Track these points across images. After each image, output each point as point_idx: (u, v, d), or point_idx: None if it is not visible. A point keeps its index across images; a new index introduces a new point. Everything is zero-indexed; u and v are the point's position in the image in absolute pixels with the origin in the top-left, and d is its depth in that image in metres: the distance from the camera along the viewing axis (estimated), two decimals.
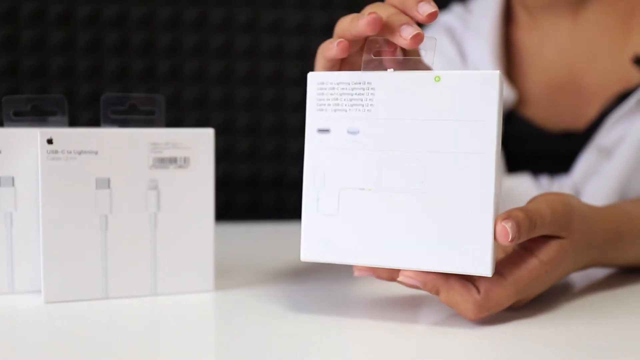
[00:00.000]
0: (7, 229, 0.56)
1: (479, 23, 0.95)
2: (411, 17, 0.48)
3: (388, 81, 0.48)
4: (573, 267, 0.53)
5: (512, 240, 0.46)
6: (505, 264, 0.49)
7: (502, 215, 0.46)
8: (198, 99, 1.06)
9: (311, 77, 0.50)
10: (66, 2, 1.02)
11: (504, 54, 0.94)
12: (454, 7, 1.01)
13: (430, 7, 0.47)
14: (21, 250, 0.56)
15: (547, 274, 0.49)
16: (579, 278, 0.62)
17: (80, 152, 0.54)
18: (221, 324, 0.52)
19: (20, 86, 1.02)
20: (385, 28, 0.48)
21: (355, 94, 0.49)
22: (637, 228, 0.59)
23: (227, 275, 0.63)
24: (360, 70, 0.50)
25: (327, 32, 0.73)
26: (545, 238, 0.49)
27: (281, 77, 1.07)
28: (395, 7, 0.50)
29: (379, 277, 0.50)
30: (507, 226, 0.45)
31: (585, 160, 0.86)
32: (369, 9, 0.50)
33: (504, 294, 0.48)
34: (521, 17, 0.95)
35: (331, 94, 0.49)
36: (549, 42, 0.93)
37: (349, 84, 0.49)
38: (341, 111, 0.49)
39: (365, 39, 0.49)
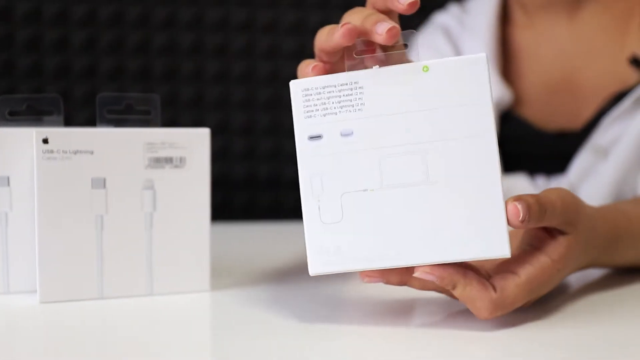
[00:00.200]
0: (3, 229, 0.56)
1: (476, 23, 0.95)
2: (392, 9, 0.48)
3: (376, 78, 0.47)
4: (575, 267, 0.53)
5: (522, 222, 0.45)
6: (518, 262, 0.48)
7: (513, 197, 0.46)
8: (194, 98, 1.06)
9: (294, 85, 0.48)
10: (62, 1, 1.02)
11: (501, 53, 0.94)
12: (451, 7, 1.01)
13: (415, 6, 0.47)
14: (16, 250, 0.56)
15: (559, 272, 0.49)
16: (577, 278, 0.62)
17: (75, 152, 0.54)
18: (217, 324, 0.52)
19: (15, 86, 1.01)
20: (362, 31, 0.48)
21: (344, 95, 0.48)
22: (635, 229, 0.59)
23: (223, 275, 0.63)
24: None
25: None
26: (553, 236, 0.49)
27: (277, 77, 1.07)
28: (374, 4, 0.50)
29: (389, 282, 0.48)
30: (519, 206, 0.45)
31: (582, 160, 0.86)
32: (346, 16, 0.50)
33: (519, 293, 0.47)
34: (518, 16, 0.95)
35: (318, 99, 0.48)
36: (545, 42, 0.93)
37: (336, 86, 0.48)
38: (331, 115, 0.47)
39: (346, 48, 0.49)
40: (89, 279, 0.55)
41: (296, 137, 0.48)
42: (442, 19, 1.00)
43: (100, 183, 0.55)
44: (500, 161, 0.47)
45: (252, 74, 1.07)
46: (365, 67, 0.48)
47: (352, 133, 0.47)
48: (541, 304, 0.53)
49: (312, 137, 0.48)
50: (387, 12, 0.50)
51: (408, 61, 0.50)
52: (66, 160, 0.54)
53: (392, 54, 0.49)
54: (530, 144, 0.90)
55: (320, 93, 0.48)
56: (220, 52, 1.06)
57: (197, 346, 0.47)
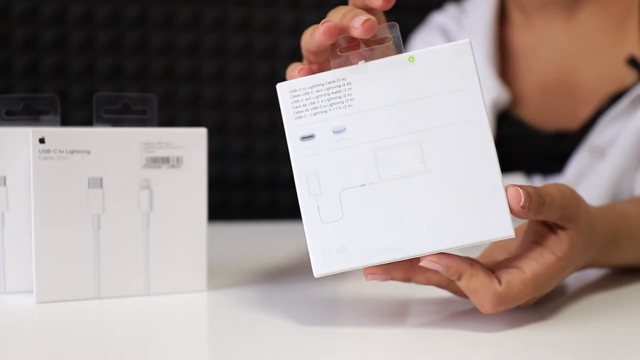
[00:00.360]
0: None
1: (473, 23, 0.95)
2: (369, 6, 0.48)
3: (362, 73, 0.48)
4: (576, 266, 0.53)
5: (522, 207, 0.45)
6: (523, 259, 0.48)
7: (513, 184, 0.46)
8: (191, 98, 1.06)
9: (281, 87, 0.48)
10: (59, 0, 1.02)
11: (498, 54, 0.94)
12: (448, 7, 1.01)
13: (390, 2, 0.47)
14: (13, 249, 0.56)
15: (563, 270, 0.49)
16: (575, 279, 0.62)
17: (72, 152, 0.54)
18: (214, 324, 0.52)
19: (12, 85, 1.01)
20: (342, 28, 0.48)
21: (333, 92, 0.48)
22: (634, 230, 0.59)
23: (220, 275, 0.63)
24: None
25: None
26: (555, 232, 0.49)
27: (275, 77, 1.07)
28: (354, 2, 0.50)
29: (394, 278, 0.48)
30: (520, 190, 0.45)
31: (579, 160, 0.86)
32: (328, 15, 0.50)
33: (524, 289, 0.47)
34: (515, 17, 0.95)
35: (307, 99, 0.48)
36: (543, 43, 0.93)
37: (324, 85, 0.48)
38: (322, 113, 0.47)
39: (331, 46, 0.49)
40: (85, 279, 0.55)
41: (288, 139, 0.48)
42: (439, 19, 1.00)
43: (97, 183, 0.55)
44: (497, 158, 0.47)
45: (250, 74, 1.07)
46: (351, 64, 0.48)
47: (345, 129, 0.47)
48: (540, 304, 0.53)
49: (304, 138, 0.48)
50: (368, 10, 0.50)
51: (393, 54, 0.49)
52: (63, 160, 0.54)
53: (376, 48, 0.49)
54: (528, 144, 0.90)
55: (308, 93, 0.48)
56: (217, 52, 1.06)
57: (194, 346, 0.47)
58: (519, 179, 0.87)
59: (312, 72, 0.49)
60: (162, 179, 0.56)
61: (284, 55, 1.07)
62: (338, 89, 0.48)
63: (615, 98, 0.85)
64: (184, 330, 0.49)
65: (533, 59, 0.93)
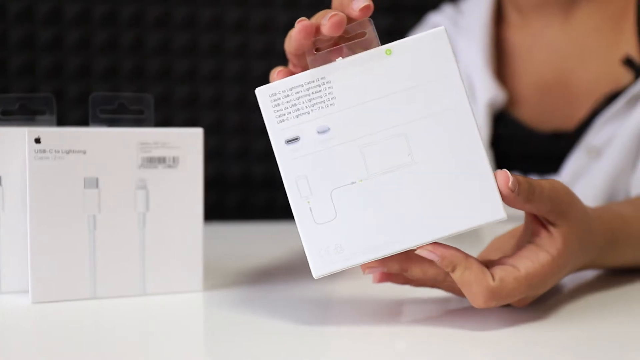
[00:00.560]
0: None
1: (470, 23, 0.95)
2: (348, 15, 0.48)
3: (341, 70, 0.47)
4: (574, 267, 0.53)
5: (512, 190, 0.45)
6: (518, 258, 0.48)
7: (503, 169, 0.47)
8: (188, 98, 1.06)
9: (260, 92, 0.48)
10: (55, 0, 1.02)
11: (495, 54, 0.94)
12: (445, 7, 1.01)
13: (363, 2, 0.47)
14: (9, 249, 0.56)
15: (559, 269, 0.49)
16: (573, 279, 0.62)
17: (68, 152, 0.54)
18: (210, 324, 0.52)
19: (8, 85, 1.01)
20: (316, 26, 0.48)
21: (313, 92, 0.47)
22: (632, 231, 0.59)
23: (216, 275, 0.63)
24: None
25: None
26: (549, 231, 0.49)
27: None
28: (334, 8, 0.51)
29: (390, 270, 0.48)
30: (508, 173, 0.46)
31: (575, 161, 0.86)
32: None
33: (517, 287, 0.47)
34: (512, 17, 0.95)
35: (288, 102, 0.48)
36: (539, 42, 0.93)
37: (303, 86, 0.48)
38: (304, 115, 0.47)
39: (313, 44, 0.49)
40: (81, 279, 0.55)
41: (272, 143, 0.47)
42: (436, 19, 1.00)
43: (92, 183, 0.55)
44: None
45: (246, 74, 1.07)
46: (327, 60, 0.48)
47: (329, 129, 0.47)
48: (537, 304, 0.53)
49: (289, 141, 0.47)
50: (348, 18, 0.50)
51: (369, 49, 0.49)
52: (58, 160, 0.54)
53: (351, 44, 0.49)
54: (524, 144, 0.90)
55: (288, 95, 0.48)
56: (214, 52, 1.06)
57: (190, 346, 0.47)
58: None
59: (293, 74, 0.49)
60: (158, 179, 0.56)
61: (280, 55, 1.07)
62: (318, 88, 0.47)
63: (611, 98, 0.85)
64: (180, 331, 0.49)
65: (529, 59, 0.94)
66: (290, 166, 0.47)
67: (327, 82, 0.48)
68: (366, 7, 0.47)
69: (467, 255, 0.47)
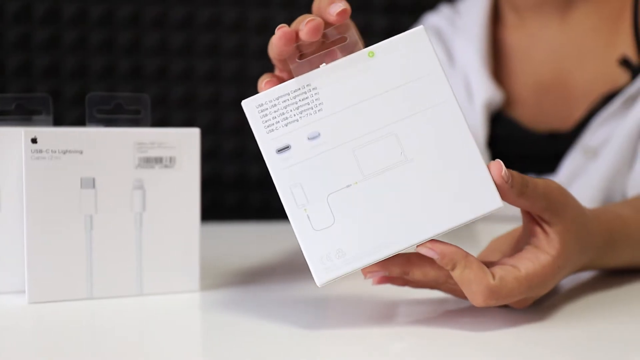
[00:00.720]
0: None
1: (467, 24, 0.95)
2: (326, 21, 0.48)
3: (326, 75, 0.48)
4: (573, 268, 0.53)
5: (506, 181, 0.46)
6: (518, 259, 0.48)
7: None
8: (185, 98, 1.06)
9: (246, 104, 0.48)
10: (52, 0, 1.02)
11: (492, 54, 0.94)
12: (442, 8, 1.01)
13: (339, 6, 0.48)
14: (5, 250, 0.55)
15: (559, 269, 0.49)
16: (571, 279, 0.62)
17: (64, 152, 0.54)
18: (206, 324, 0.52)
19: (5, 85, 1.01)
20: (296, 32, 0.48)
21: (300, 100, 0.48)
22: (630, 231, 0.59)
23: (212, 275, 0.63)
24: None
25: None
26: (546, 232, 0.49)
27: None
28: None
29: (392, 273, 0.48)
30: (501, 162, 0.46)
31: (571, 161, 0.86)
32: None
33: (517, 286, 0.47)
34: (509, 17, 0.95)
35: (275, 111, 0.48)
36: (536, 43, 0.93)
37: (289, 94, 0.48)
38: (293, 123, 0.47)
39: (297, 49, 0.49)
40: (78, 279, 0.54)
41: (263, 154, 0.48)
42: (433, 20, 1.00)
43: (89, 183, 0.54)
44: (472, 136, 0.47)
45: (244, 74, 1.06)
46: (311, 66, 0.48)
47: (319, 135, 0.47)
48: (537, 304, 0.53)
49: (280, 150, 0.47)
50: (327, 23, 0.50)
51: (352, 52, 0.49)
52: (55, 160, 0.53)
53: (334, 49, 0.49)
54: (521, 145, 0.90)
55: (275, 105, 0.48)
56: (211, 52, 1.06)
57: (187, 346, 0.47)
58: None
59: (282, 80, 0.49)
60: (155, 179, 0.56)
61: None
62: (305, 95, 0.48)
63: (608, 98, 0.85)
64: (177, 331, 0.49)
65: (526, 59, 0.94)
66: (283, 175, 0.47)
67: (313, 89, 0.48)
68: (343, 12, 0.48)
69: (467, 254, 0.47)
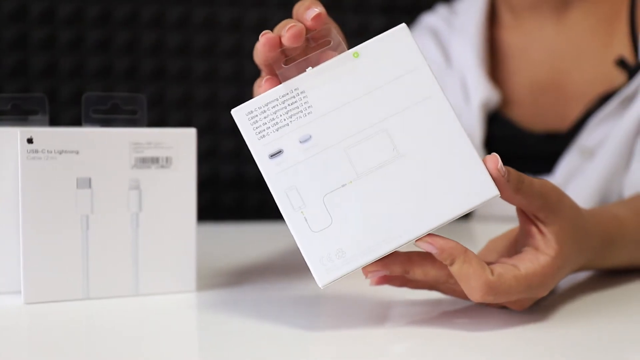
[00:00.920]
0: None
1: (464, 24, 0.96)
2: (305, 25, 0.49)
3: (313, 78, 0.48)
4: (572, 268, 0.53)
5: (503, 175, 0.46)
6: (518, 259, 0.48)
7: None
8: (182, 98, 1.06)
9: (236, 112, 0.48)
10: (48, 0, 1.01)
11: (489, 55, 0.94)
12: (439, 8, 1.01)
13: (314, 11, 0.49)
14: (0, 250, 0.55)
15: (558, 270, 0.49)
16: (569, 279, 0.62)
17: (61, 152, 0.54)
18: (203, 325, 0.52)
19: (1, 85, 1.01)
20: (279, 37, 0.49)
21: (289, 104, 0.48)
22: (627, 232, 0.59)
23: (209, 275, 0.63)
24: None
25: None
26: (542, 233, 0.49)
27: None
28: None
29: (393, 272, 0.48)
30: (497, 155, 0.46)
31: (568, 161, 0.86)
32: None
33: (516, 284, 0.47)
34: (506, 17, 0.95)
35: (265, 117, 0.48)
36: (533, 43, 0.93)
37: (278, 99, 0.48)
38: (284, 127, 0.48)
39: (283, 52, 0.50)
40: (74, 279, 0.54)
41: (256, 160, 0.48)
42: (430, 20, 1.00)
43: (85, 183, 0.54)
44: (462, 127, 0.47)
45: (240, 74, 1.06)
46: (297, 71, 0.49)
47: (311, 137, 0.47)
48: (534, 305, 0.53)
49: (272, 155, 0.48)
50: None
51: (336, 54, 0.50)
52: (51, 160, 0.53)
53: (318, 52, 0.49)
54: (518, 145, 0.90)
55: (265, 111, 0.48)
56: (208, 52, 1.06)
57: (183, 347, 0.47)
58: None
59: (277, 82, 0.49)
60: (152, 179, 0.56)
61: None
62: (293, 99, 0.48)
63: (604, 99, 0.85)
64: (173, 331, 0.49)
65: (523, 59, 0.94)
66: (278, 180, 0.47)
67: (302, 92, 0.48)
68: (317, 16, 0.48)
69: (466, 249, 0.47)
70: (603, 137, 0.84)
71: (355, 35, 1.05)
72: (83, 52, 1.03)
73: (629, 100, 0.82)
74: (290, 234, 0.47)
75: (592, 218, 0.55)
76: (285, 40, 0.48)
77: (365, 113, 0.47)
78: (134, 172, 0.56)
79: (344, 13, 1.08)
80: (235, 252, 0.77)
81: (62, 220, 0.54)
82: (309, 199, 0.47)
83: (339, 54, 0.49)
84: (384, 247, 0.46)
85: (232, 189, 1.07)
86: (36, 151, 0.53)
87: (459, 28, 0.96)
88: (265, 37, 0.49)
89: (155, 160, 0.56)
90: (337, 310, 0.55)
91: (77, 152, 0.54)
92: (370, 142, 0.47)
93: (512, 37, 0.94)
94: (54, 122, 0.62)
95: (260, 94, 0.49)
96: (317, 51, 0.50)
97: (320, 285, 0.46)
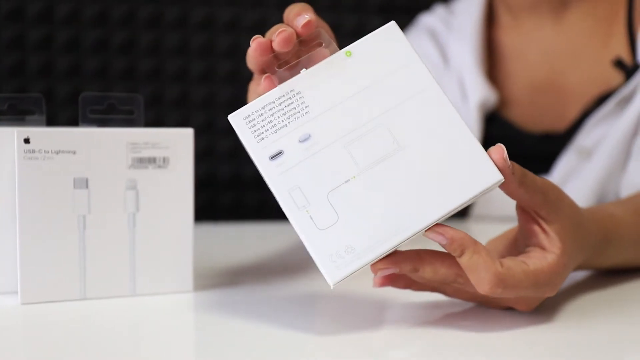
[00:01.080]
0: None
1: (462, 24, 0.96)
2: (295, 30, 0.50)
3: (308, 79, 0.49)
4: (574, 265, 0.53)
5: (508, 166, 0.46)
6: (526, 257, 0.48)
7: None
8: (179, 98, 1.06)
9: (233, 117, 0.49)
10: (45, 0, 1.01)
11: (487, 55, 0.95)
12: (437, 8, 1.01)
13: (304, 18, 0.49)
14: None
15: (565, 267, 0.49)
16: (566, 280, 0.62)
17: (57, 152, 0.53)
18: (200, 325, 0.52)
19: None
20: (270, 42, 0.49)
21: (286, 105, 0.48)
22: (623, 232, 0.59)
23: (206, 275, 0.62)
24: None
25: None
26: (545, 232, 0.48)
27: None
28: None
29: (402, 270, 0.47)
30: (503, 146, 0.46)
31: (565, 161, 0.86)
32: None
33: (524, 279, 0.47)
34: (503, 18, 0.95)
35: (263, 120, 0.48)
36: (531, 44, 0.93)
37: (274, 102, 0.48)
38: (282, 128, 0.48)
39: (274, 56, 0.50)
40: (71, 279, 0.54)
41: (257, 163, 0.48)
42: (428, 20, 1.00)
43: (82, 183, 0.54)
44: (461, 117, 0.48)
45: (238, 74, 1.06)
46: (292, 74, 0.49)
47: (310, 136, 0.48)
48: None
49: (273, 157, 0.48)
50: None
51: (329, 55, 0.50)
52: (48, 160, 0.53)
53: (310, 55, 0.50)
54: (515, 145, 0.90)
55: (262, 114, 0.48)
56: (205, 52, 1.06)
57: (180, 347, 0.47)
58: None
59: (276, 80, 0.50)
60: (149, 180, 0.56)
61: None
62: (290, 101, 0.48)
63: (601, 99, 0.85)
64: (170, 331, 0.49)
65: (521, 60, 0.94)
66: (280, 181, 0.47)
67: (297, 93, 0.48)
68: (307, 24, 0.49)
69: (476, 241, 0.46)
70: (600, 138, 0.84)
71: (352, 36, 1.05)
72: (80, 52, 1.02)
73: (626, 100, 0.83)
74: (291, 234, 0.47)
75: (590, 216, 0.55)
76: (276, 45, 0.49)
77: (362, 109, 0.48)
78: (131, 172, 0.55)
79: (342, 13, 1.08)
80: (233, 252, 0.77)
81: (59, 221, 0.54)
82: (313, 197, 0.46)
83: (331, 54, 0.49)
84: (393, 239, 0.45)
85: (230, 189, 1.07)
86: (33, 151, 0.53)
87: (457, 28, 0.96)
88: (256, 42, 0.49)
89: (152, 161, 0.56)
90: (336, 311, 0.55)
91: (74, 152, 0.54)
92: (370, 136, 0.47)
93: (510, 37, 0.95)
94: (51, 122, 0.62)
95: (259, 92, 0.49)
96: (309, 53, 0.50)
97: (331, 283, 0.45)
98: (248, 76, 1.14)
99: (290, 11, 0.50)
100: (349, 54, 0.49)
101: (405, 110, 0.48)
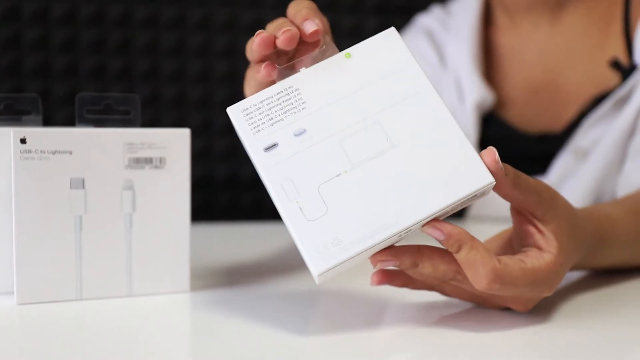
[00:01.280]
0: None
1: (459, 25, 0.96)
2: (302, 33, 0.51)
3: (307, 77, 0.50)
4: (570, 264, 0.53)
5: (500, 168, 0.46)
6: (524, 255, 0.48)
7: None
8: (176, 98, 1.05)
9: (232, 110, 0.49)
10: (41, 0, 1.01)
11: (484, 56, 0.95)
12: (434, 8, 1.02)
13: (312, 26, 0.51)
14: None
15: (562, 267, 0.49)
16: (563, 280, 0.62)
17: (54, 152, 0.53)
18: (197, 325, 0.52)
19: None
20: (274, 38, 0.51)
21: (284, 101, 0.49)
22: (618, 232, 0.59)
23: (203, 276, 0.62)
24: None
25: None
26: (541, 232, 0.49)
27: None
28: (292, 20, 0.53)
29: (402, 265, 0.47)
30: (495, 150, 0.46)
31: (562, 162, 0.86)
32: (267, 27, 0.53)
33: (522, 276, 0.47)
34: (500, 19, 0.95)
35: (260, 113, 0.49)
36: (528, 45, 0.93)
37: (273, 97, 0.49)
38: (279, 122, 0.48)
39: (275, 52, 0.51)
40: (67, 280, 0.54)
41: (251, 155, 0.48)
42: (425, 21, 1.00)
43: (79, 183, 0.54)
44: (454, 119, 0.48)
45: (235, 74, 1.06)
46: (292, 72, 0.50)
47: (305, 130, 0.48)
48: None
49: (267, 148, 0.48)
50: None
51: (329, 56, 0.51)
52: (44, 161, 0.53)
53: (311, 54, 0.51)
54: (512, 146, 0.90)
55: (260, 108, 0.49)
56: (202, 52, 1.06)
57: (176, 347, 0.46)
58: None
59: (275, 67, 0.51)
60: (145, 180, 0.56)
61: None
62: (288, 96, 0.49)
63: (598, 100, 0.85)
64: (167, 332, 0.49)
65: (518, 60, 0.94)
66: (272, 172, 0.47)
67: (296, 90, 0.49)
68: (315, 33, 0.51)
69: (473, 237, 0.46)
70: (597, 138, 0.84)
71: (350, 36, 1.05)
72: (77, 52, 1.02)
73: (623, 101, 0.83)
74: (287, 235, 0.47)
75: (586, 216, 0.55)
76: (280, 43, 0.50)
77: (358, 107, 0.49)
78: (127, 173, 0.55)
79: (339, 13, 1.08)
80: (229, 252, 0.77)
81: (56, 221, 0.54)
82: (304, 189, 0.47)
83: (331, 55, 0.50)
84: (380, 234, 0.46)
85: (226, 190, 1.07)
86: (29, 151, 0.53)
87: (454, 29, 0.96)
88: (260, 36, 0.50)
89: (149, 161, 0.56)
90: (332, 311, 0.55)
91: (71, 153, 0.54)
92: (364, 133, 0.48)
93: (506, 38, 0.95)
94: (48, 122, 0.62)
95: (257, 79, 0.51)
96: (310, 53, 0.51)
97: (315, 274, 0.45)
98: (244, 76, 1.14)
99: (297, 13, 0.51)
100: (348, 55, 0.50)
101: (400, 110, 0.48)
